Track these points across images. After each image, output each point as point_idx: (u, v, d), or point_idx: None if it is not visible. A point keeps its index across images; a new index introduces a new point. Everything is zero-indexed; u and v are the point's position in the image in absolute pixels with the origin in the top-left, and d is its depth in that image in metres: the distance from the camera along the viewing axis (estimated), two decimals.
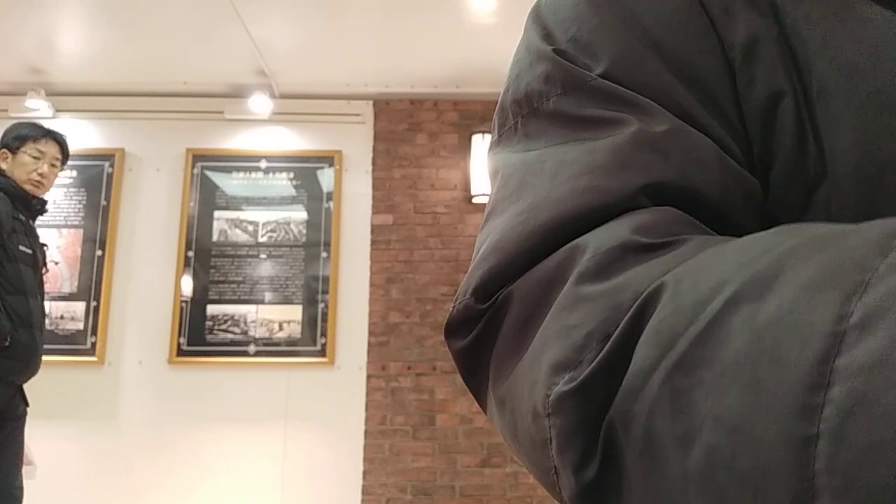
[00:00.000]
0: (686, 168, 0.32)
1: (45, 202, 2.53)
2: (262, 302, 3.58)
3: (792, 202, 0.33)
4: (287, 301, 3.58)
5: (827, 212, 0.33)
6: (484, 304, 0.33)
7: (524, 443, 0.30)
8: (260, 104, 3.68)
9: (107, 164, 3.71)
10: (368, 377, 3.51)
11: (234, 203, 3.69)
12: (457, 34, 3.27)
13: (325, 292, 3.59)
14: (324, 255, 3.64)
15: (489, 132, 3.76)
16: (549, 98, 0.37)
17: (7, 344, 2.24)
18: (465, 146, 3.74)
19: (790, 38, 0.34)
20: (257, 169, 3.74)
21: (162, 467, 3.41)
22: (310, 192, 3.72)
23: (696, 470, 0.20)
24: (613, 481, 0.24)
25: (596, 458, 0.25)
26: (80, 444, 3.42)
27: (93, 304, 3.55)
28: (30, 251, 2.40)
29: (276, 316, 3.57)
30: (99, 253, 3.60)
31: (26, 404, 2.42)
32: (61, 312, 3.53)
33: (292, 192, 3.72)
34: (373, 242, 3.66)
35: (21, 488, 2.36)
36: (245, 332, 3.55)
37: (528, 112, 0.38)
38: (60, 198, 3.62)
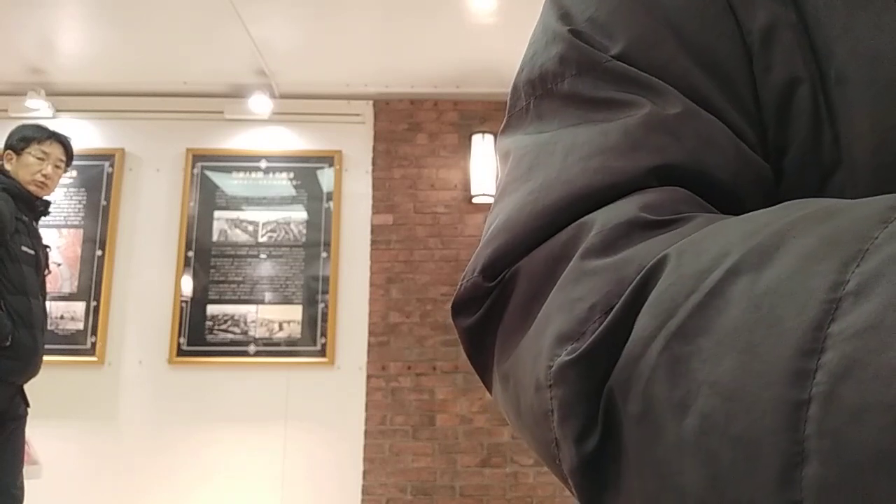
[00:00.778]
0: (698, 151, 0.33)
1: (48, 203, 2.53)
2: (262, 302, 3.58)
3: (806, 189, 0.34)
4: (287, 301, 3.59)
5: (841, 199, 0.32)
6: (491, 282, 0.33)
7: (526, 417, 0.30)
8: (260, 104, 3.68)
9: (107, 164, 3.71)
10: (368, 377, 3.51)
11: (234, 203, 3.70)
12: (457, 34, 3.27)
13: (325, 292, 3.59)
14: (324, 255, 3.64)
15: (489, 132, 3.77)
16: (563, 79, 0.37)
17: (8, 344, 2.24)
18: (465, 146, 3.74)
19: (809, 24, 0.34)
20: (257, 169, 3.74)
21: (162, 467, 3.41)
22: (310, 192, 3.72)
23: (691, 435, 0.21)
24: (613, 451, 0.25)
25: (597, 429, 0.25)
26: (80, 444, 3.42)
27: (93, 304, 3.55)
28: (32, 252, 2.41)
29: (276, 316, 3.57)
30: (99, 253, 3.61)
31: (27, 404, 2.42)
32: (61, 312, 3.53)
33: (292, 192, 3.72)
34: (373, 242, 3.66)
35: (21, 488, 2.36)
36: (245, 332, 3.55)
37: (541, 93, 0.38)
38: (60, 198, 3.61)
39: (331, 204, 3.70)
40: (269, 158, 3.75)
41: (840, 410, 0.17)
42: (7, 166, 2.45)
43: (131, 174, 3.73)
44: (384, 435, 3.45)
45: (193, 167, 3.71)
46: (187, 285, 3.58)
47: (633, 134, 0.33)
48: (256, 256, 3.64)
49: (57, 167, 2.52)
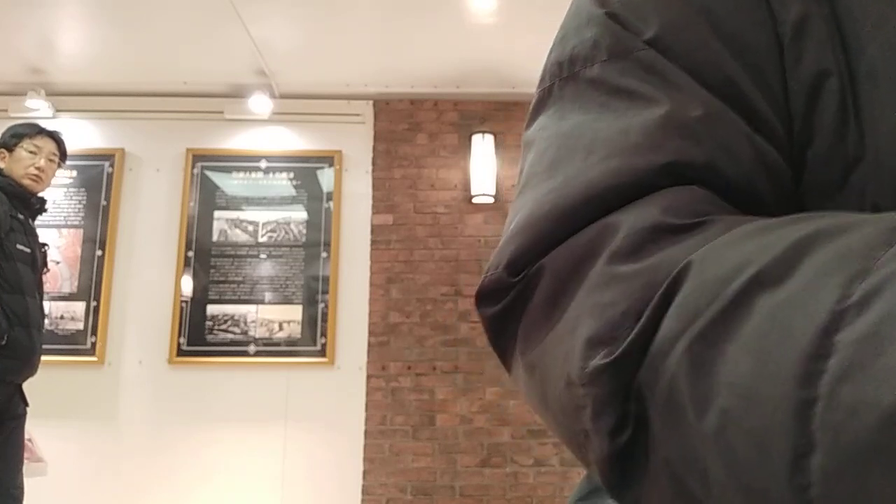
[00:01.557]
0: (716, 155, 0.33)
1: (44, 201, 2.53)
2: (262, 302, 3.58)
3: (828, 182, 0.34)
4: (287, 301, 3.58)
5: (861, 194, 0.33)
6: (515, 277, 0.35)
7: (553, 407, 0.32)
8: (260, 104, 3.68)
9: (107, 164, 3.71)
10: (368, 377, 3.51)
11: (234, 203, 3.70)
12: (457, 34, 3.27)
13: (325, 292, 3.59)
14: (324, 255, 3.64)
15: (489, 132, 3.76)
16: (592, 63, 0.37)
17: (4, 343, 2.23)
18: (465, 146, 3.74)
19: (841, 18, 0.34)
20: (257, 169, 3.74)
21: (162, 467, 3.41)
22: (310, 192, 3.72)
23: (712, 428, 0.23)
24: (642, 442, 0.27)
25: (630, 423, 0.27)
26: (80, 444, 3.42)
27: (93, 304, 3.55)
28: (28, 250, 2.39)
29: (276, 316, 3.57)
30: (99, 253, 3.60)
31: (26, 404, 2.41)
32: (61, 312, 3.53)
33: (292, 192, 3.72)
34: (373, 242, 3.66)
35: (21, 488, 2.36)
36: (245, 332, 3.55)
37: (567, 75, 0.39)
38: (60, 198, 3.62)
39: (331, 204, 3.70)
40: (269, 158, 3.75)
41: (840, 407, 0.19)
42: (1, 165, 2.44)
43: (131, 174, 3.73)
44: (384, 435, 3.45)
45: (193, 167, 3.71)
46: (187, 285, 3.58)
47: (654, 135, 0.34)
48: (256, 256, 3.64)
49: (50, 161, 2.52)
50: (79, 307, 3.54)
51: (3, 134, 2.51)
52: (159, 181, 3.73)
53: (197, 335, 3.54)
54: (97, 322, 3.52)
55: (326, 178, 3.74)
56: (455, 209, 3.69)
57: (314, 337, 3.55)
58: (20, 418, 2.38)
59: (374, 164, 3.75)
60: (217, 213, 3.67)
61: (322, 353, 3.53)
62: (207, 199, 3.69)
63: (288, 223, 3.68)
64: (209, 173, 3.72)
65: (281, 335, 3.55)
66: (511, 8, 3.06)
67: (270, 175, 3.73)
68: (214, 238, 3.65)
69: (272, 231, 3.67)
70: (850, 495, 0.19)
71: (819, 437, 0.19)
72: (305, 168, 3.75)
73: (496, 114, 3.80)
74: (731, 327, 0.23)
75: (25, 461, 2.40)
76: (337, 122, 3.80)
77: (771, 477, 0.21)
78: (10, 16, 3.11)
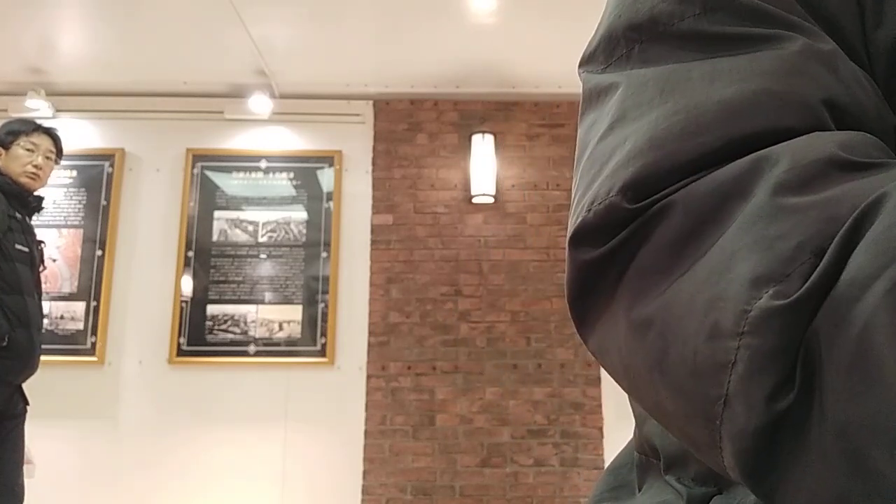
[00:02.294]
0: (853, 88, 0.30)
1: (41, 199, 2.50)
2: (262, 302, 3.58)
3: None
4: (287, 301, 3.58)
5: None
6: (635, 204, 0.29)
7: (677, 369, 0.27)
8: (260, 104, 3.69)
9: (107, 164, 3.71)
10: (368, 377, 3.51)
11: (234, 203, 3.70)
12: (457, 34, 3.27)
13: (325, 292, 3.59)
14: (324, 255, 3.64)
15: (489, 132, 3.76)
16: (682, 19, 0.33)
17: (4, 344, 2.23)
18: (465, 146, 3.74)
19: None
20: (257, 169, 3.74)
21: (162, 467, 3.41)
22: (310, 192, 3.72)
23: None
24: (806, 408, 0.23)
25: (795, 384, 0.23)
26: (80, 444, 3.42)
27: (93, 304, 3.55)
28: (26, 249, 2.38)
29: (276, 316, 3.57)
30: (99, 253, 3.60)
31: (26, 403, 2.41)
32: (61, 312, 3.53)
33: (292, 192, 3.72)
34: (373, 242, 3.66)
35: (22, 486, 2.35)
36: (245, 332, 3.55)
37: (649, 37, 0.34)
38: (60, 198, 3.62)
39: (331, 204, 3.70)
40: (269, 158, 3.75)
41: None
42: None
43: (131, 174, 3.73)
44: (384, 435, 3.45)
45: (193, 167, 3.71)
46: (187, 285, 3.58)
47: (790, 60, 0.30)
48: (256, 256, 3.64)
49: (48, 158, 2.49)
50: (79, 307, 3.54)
51: None
52: (159, 181, 3.73)
53: (197, 335, 3.54)
54: (97, 322, 3.52)
55: (326, 178, 3.74)
56: (455, 209, 3.69)
57: (314, 337, 3.55)
58: (20, 417, 2.37)
59: (374, 164, 3.75)
60: (217, 213, 3.67)
61: (322, 353, 3.53)
62: (207, 199, 3.69)
63: (288, 223, 3.68)
64: (209, 173, 3.72)
65: (281, 335, 3.55)
66: (511, 8, 3.06)
67: (270, 175, 3.73)
68: (214, 238, 3.65)
69: (272, 231, 3.67)
70: None
71: None
72: (305, 168, 3.75)
73: (496, 114, 3.80)
74: None
75: None
76: (337, 122, 3.80)
77: None
78: (10, 16, 3.11)
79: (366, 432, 3.45)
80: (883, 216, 0.22)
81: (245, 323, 3.56)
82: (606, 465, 0.50)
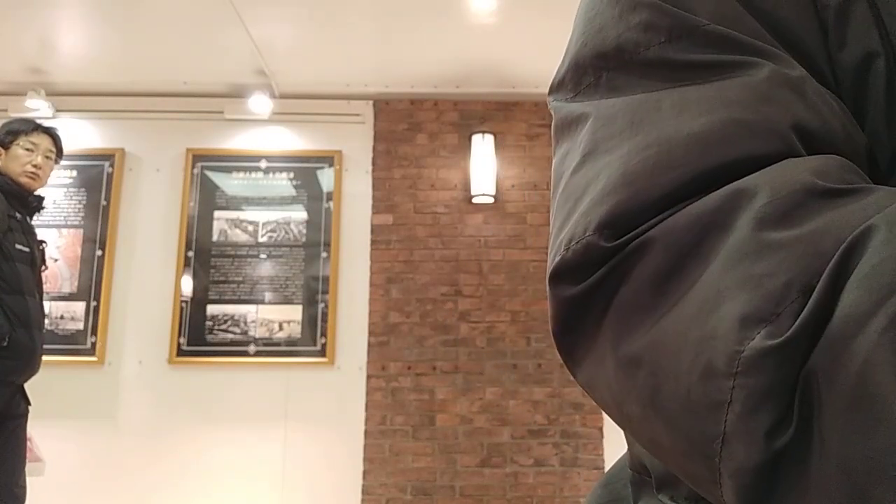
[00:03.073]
0: (823, 111, 0.30)
1: (42, 199, 2.50)
2: (262, 302, 3.58)
3: (878, 164, 0.32)
4: (287, 301, 3.59)
5: None
6: (613, 241, 0.29)
7: (671, 407, 0.26)
8: (260, 104, 3.69)
9: (107, 164, 3.71)
10: (368, 377, 3.51)
11: (234, 203, 3.70)
12: (457, 34, 3.27)
13: (325, 292, 3.59)
14: (324, 255, 3.64)
15: (489, 132, 3.75)
16: (647, 48, 0.33)
17: (5, 344, 2.23)
18: (465, 146, 3.74)
19: (878, 2, 0.33)
20: (257, 169, 3.74)
21: (162, 467, 3.41)
22: (310, 192, 3.72)
23: None
24: (805, 444, 0.22)
25: (792, 421, 0.23)
26: (80, 444, 3.42)
27: (93, 304, 3.55)
28: (27, 249, 2.38)
29: (276, 316, 3.57)
30: (99, 253, 3.60)
31: (28, 403, 2.41)
32: (61, 312, 3.53)
33: (292, 192, 3.72)
34: (373, 242, 3.66)
35: (24, 487, 2.35)
36: (245, 332, 3.55)
37: (616, 65, 0.34)
38: (60, 198, 3.62)
39: (331, 204, 3.70)
40: (269, 158, 3.75)
41: None
42: None
43: (131, 174, 3.73)
44: (384, 435, 3.45)
45: (193, 167, 3.71)
46: (187, 285, 3.58)
47: (758, 88, 0.30)
48: (256, 256, 3.64)
49: (47, 157, 2.49)
50: (79, 307, 3.54)
51: None
52: (159, 181, 3.73)
53: (197, 335, 3.54)
54: (97, 322, 3.52)
55: (326, 178, 3.74)
56: (455, 209, 3.69)
57: (314, 337, 3.55)
58: (22, 417, 2.37)
59: (374, 164, 3.75)
60: (217, 213, 3.67)
61: (322, 353, 3.53)
62: (207, 199, 3.69)
63: (288, 223, 3.68)
64: (209, 173, 3.72)
65: (281, 335, 3.56)
66: (511, 8, 3.06)
67: (270, 175, 3.73)
68: (214, 238, 3.65)
69: (272, 231, 3.67)
70: None
71: None
72: (305, 168, 3.75)
73: (496, 114, 3.80)
74: None
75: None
76: (337, 122, 3.80)
77: None
78: (10, 16, 3.11)
79: (366, 432, 3.46)
80: (871, 251, 0.22)
81: (245, 323, 3.56)
82: (606, 465, 0.50)
